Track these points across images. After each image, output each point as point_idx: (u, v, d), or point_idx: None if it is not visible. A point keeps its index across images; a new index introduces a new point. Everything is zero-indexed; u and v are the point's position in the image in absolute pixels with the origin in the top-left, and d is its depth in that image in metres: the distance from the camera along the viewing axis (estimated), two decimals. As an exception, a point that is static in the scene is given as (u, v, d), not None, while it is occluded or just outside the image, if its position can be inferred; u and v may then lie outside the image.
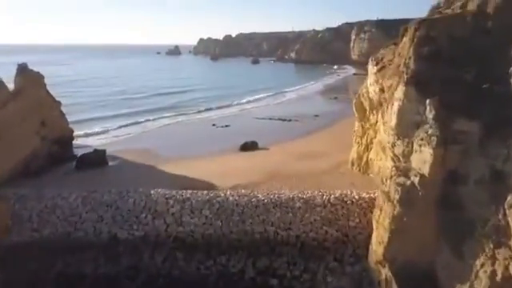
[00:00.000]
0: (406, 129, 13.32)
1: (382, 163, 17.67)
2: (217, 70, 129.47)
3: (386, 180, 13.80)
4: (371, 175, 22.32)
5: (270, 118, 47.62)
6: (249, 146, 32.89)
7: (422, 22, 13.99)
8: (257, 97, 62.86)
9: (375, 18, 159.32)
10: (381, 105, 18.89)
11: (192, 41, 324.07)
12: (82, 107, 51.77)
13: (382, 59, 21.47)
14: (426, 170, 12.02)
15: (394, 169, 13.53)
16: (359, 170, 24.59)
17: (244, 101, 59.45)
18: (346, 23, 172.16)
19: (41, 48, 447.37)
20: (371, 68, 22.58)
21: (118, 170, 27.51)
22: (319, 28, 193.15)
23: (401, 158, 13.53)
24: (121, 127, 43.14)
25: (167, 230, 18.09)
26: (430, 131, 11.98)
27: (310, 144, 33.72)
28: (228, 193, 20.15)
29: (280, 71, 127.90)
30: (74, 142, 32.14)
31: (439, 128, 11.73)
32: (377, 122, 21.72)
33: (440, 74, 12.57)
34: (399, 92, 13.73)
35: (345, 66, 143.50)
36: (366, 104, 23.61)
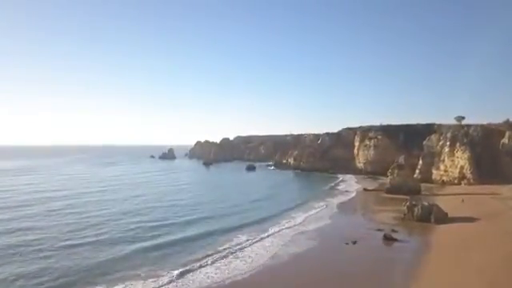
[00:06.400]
0: None
1: None
2: (206, 183, 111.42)
3: None
4: None
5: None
6: None
7: None
8: (236, 247, 42.28)
9: (378, 124, 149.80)
10: None
11: (189, 140, 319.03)
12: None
13: None
14: None
15: None
16: None
17: (216, 257, 38.44)
18: (348, 128, 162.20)
19: (26, 150, 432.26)
20: None
21: None
22: (317, 131, 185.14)
23: None
24: None
25: None
26: None
27: None
28: None
29: (277, 183, 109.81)
30: None
31: None
32: None
33: None
34: None
35: (350, 176, 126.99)
36: None
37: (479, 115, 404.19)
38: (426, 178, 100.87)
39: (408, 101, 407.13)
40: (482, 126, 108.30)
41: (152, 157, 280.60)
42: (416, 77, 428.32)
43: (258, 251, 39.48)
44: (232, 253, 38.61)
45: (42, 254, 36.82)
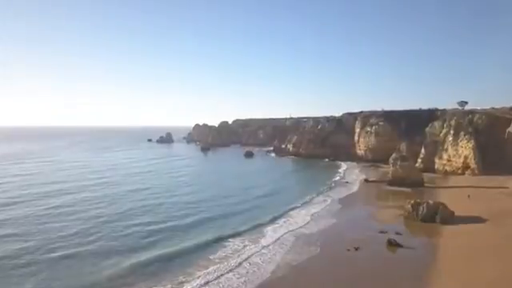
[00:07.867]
0: None
1: None
2: (205, 175, 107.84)
3: None
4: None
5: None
6: None
7: None
8: (236, 259, 39.91)
9: (379, 109, 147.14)
10: None
11: (188, 121, 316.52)
12: None
13: None
14: None
15: None
16: None
17: (213, 274, 33.72)
18: (348, 113, 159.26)
19: (23, 132, 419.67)
20: None
21: None
22: (317, 114, 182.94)
23: None
24: None
25: None
26: None
27: None
28: None
29: (277, 175, 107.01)
30: None
31: None
32: None
33: None
34: None
35: (351, 164, 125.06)
36: None
37: (482, 100, 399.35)
38: (428, 167, 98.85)
39: (410, 85, 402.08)
40: (486, 113, 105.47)
41: (149, 140, 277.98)
42: (418, 62, 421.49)
43: (257, 262, 37.52)
44: (233, 266, 36.52)
45: (26, 270, 34.42)
